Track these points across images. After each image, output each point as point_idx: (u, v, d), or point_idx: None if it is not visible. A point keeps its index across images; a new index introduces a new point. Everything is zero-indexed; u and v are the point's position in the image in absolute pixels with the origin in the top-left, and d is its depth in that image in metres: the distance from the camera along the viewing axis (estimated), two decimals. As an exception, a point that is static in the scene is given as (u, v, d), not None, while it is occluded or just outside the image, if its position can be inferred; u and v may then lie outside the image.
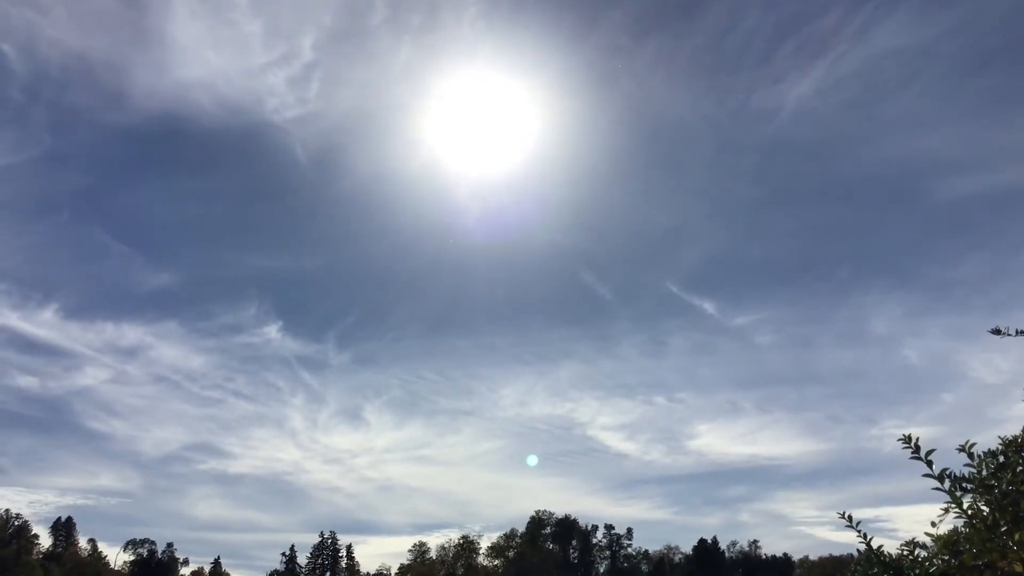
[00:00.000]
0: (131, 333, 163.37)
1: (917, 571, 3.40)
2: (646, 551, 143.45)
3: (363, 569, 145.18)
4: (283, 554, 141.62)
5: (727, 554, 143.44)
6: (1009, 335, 3.35)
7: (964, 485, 3.33)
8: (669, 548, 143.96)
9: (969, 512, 3.22)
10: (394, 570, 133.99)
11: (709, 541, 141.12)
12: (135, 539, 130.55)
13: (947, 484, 3.28)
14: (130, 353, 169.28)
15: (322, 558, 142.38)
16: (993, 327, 3.37)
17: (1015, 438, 3.67)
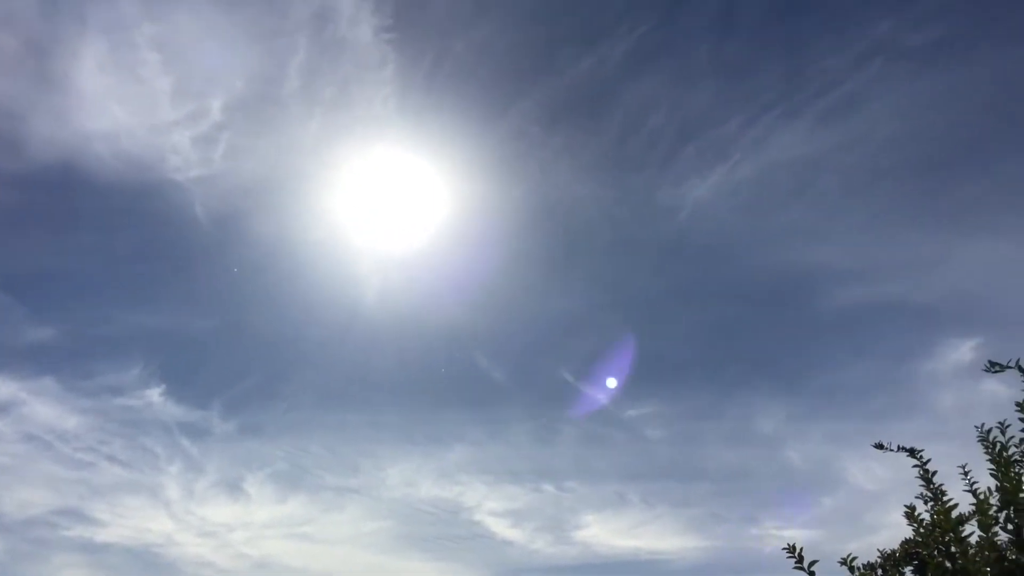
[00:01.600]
0: (3, 388, 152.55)
1: None
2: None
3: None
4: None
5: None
6: (891, 451, 3.38)
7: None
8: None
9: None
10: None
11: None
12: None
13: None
14: (1, 408, 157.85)
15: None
16: (876, 442, 3.40)
17: (893, 552, 3.68)
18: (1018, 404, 3.11)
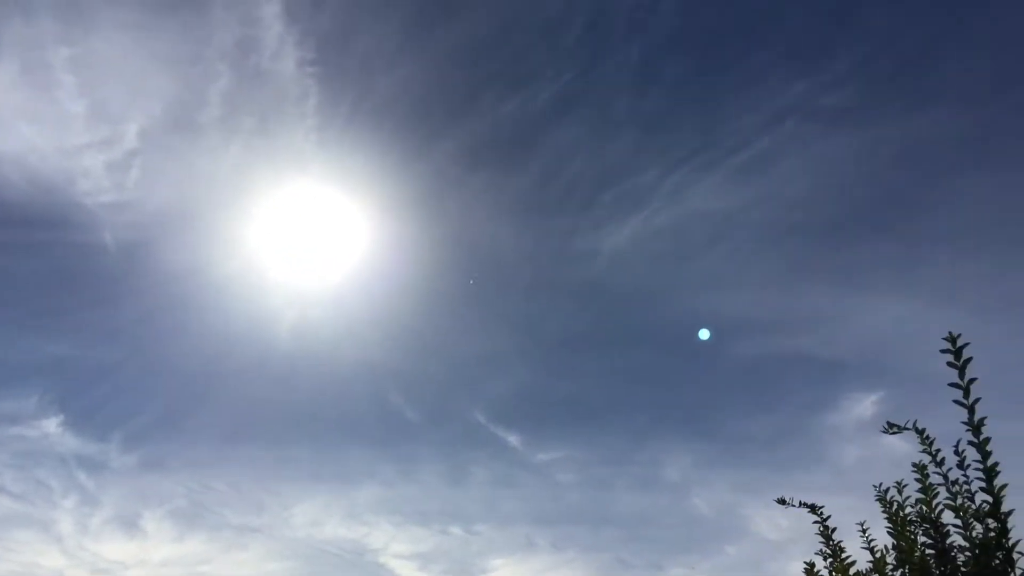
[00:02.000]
0: None
1: None
2: None
3: None
4: None
5: None
6: (793, 506, 3.43)
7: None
8: None
9: None
10: None
11: None
12: None
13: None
14: None
15: None
16: (779, 497, 3.44)
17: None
18: (915, 465, 3.20)
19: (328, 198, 36.37)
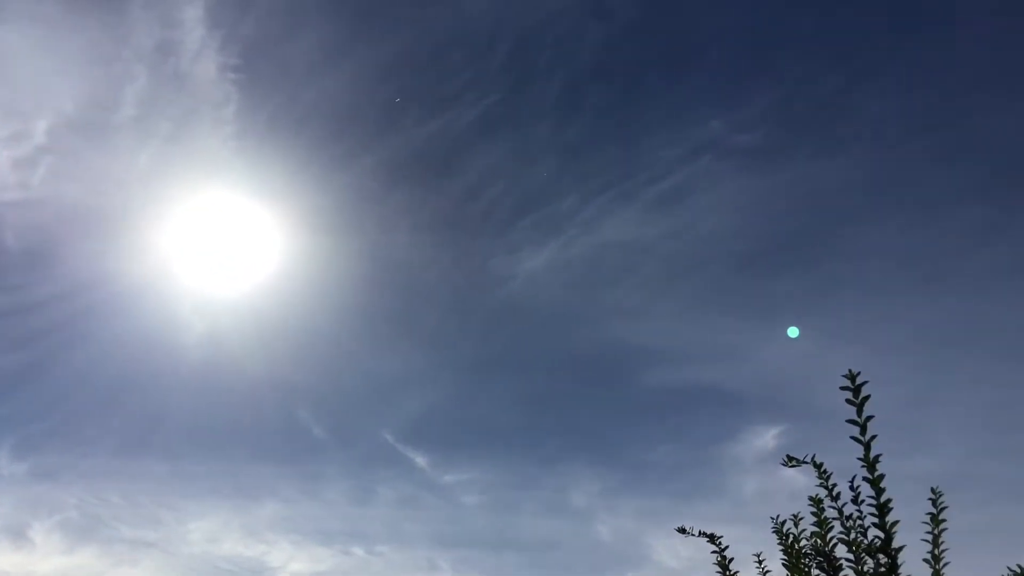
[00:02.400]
0: None
1: None
2: None
3: None
4: None
5: None
6: (692, 535, 3.44)
7: None
8: None
9: None
10: None
11: None
12: None
13: None
14: None
15: None
16: (679, 526, 3.46)
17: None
18: (811, 498, 3.25)
19: (244, 207, 35.59)
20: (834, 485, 3.21)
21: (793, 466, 3.24)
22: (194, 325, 36.03)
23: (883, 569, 2.92)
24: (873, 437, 2.94)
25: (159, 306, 35.62)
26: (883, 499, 2.91)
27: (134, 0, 30.06)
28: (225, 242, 33.91)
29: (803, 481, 3.28)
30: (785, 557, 3.32)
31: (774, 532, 3.38)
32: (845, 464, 3.06)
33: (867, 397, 2.93)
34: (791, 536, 3.34)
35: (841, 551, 3.15)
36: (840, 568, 3.16)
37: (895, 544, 2.91)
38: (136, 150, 34.13)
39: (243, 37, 33.05)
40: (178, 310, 35.76)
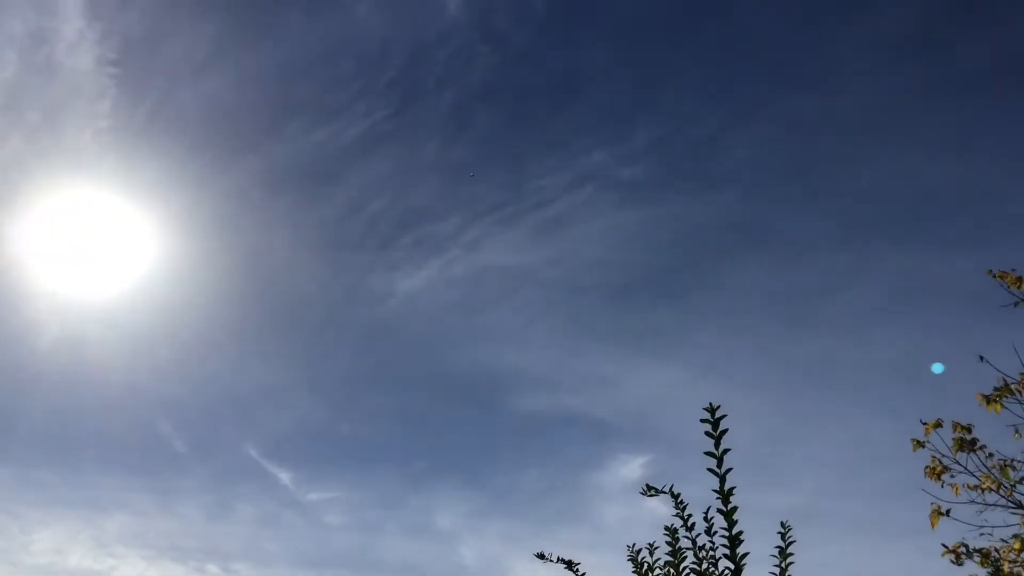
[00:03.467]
0: None
1: None
2: None
3: None
4: None
5: None
6: (551, 561, 3.44)
7: None
8: None
9: None
10: None
11: None
12: None
13: None
14: None
15: None
16: (538, 552, 3.45)
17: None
18: (666, 528, 3.31)
19: (113, 206, 33.95)
20: (690, 516, 3.27)
21: (652, 495, 3.30)
22: (49, 326, 34.01)
23: (731, 600, 2.99)
24: (728, 470, 3.02)
25: (11, 304, 33.54)
26: (735, 531, 2.99)
27: (10, -17, 28.54)
28: (90, 241, 32.27)
29: (666, 511, 3.33)
30: (639, 586, 3.36)
31: (629, 560, 3.42)
32: (706, 495, 3.12)
33: (725, 431, 3.00)
34: (645, 564, 3.39)
35: (693, 581, 3.20)
36: (691, 598, 3.21)
37: (744, 575, 2.99)
38: (1, 139, 32.18)
39: (124, 31, 31.76)
40: (33, 310, 33.72)
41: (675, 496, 3.30)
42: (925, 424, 7.44)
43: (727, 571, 3.03)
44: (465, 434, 42.36)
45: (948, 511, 7.16)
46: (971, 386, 7.15)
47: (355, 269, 40.26)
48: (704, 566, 3.17)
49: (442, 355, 42.27)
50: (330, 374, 42.49)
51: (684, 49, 34.89)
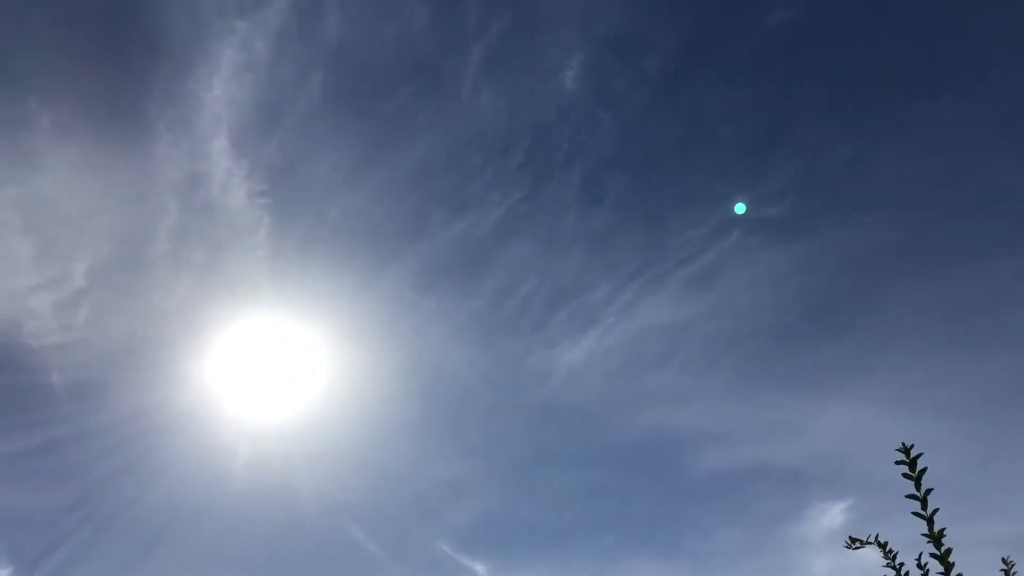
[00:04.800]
0: None
1: None
2: None
3: None
4: None
5: None
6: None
7: None
8: None
9: None
10: None
11: None
12: None
13: None
14: None
15: None
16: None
17: None
18: None
19: (281, 328, 36.18)
20: (902, 564, 3.15)
21: (857, 548, 3.20)
22: (240, 450, 36.09)
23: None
24: (935, 511, 2.91)
25: (204, 436, 35.76)
26: (953, 574, 2.86)
27: (161, 137, 31.36)
28: (265, 365, 34.37)
29: (877, 556, 3.23)
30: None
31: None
32: (916, 537, 3.02)
33: (924, 470, 2.91)
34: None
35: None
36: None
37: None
38: (173, 282, 34.99)
39: (268, 162, 34.17)
40: (223, 439, 35.85)
41: (882, 546, 3.20)
42: None
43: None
44: (650, 502, 41.50)
45: None
46: None
47: (514, 353, 40.81)
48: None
49: (614, 425, 41.94)
50: (506, 460, 42.85)
51: (807, 75, 34.16)
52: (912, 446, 2.92)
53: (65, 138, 30.70)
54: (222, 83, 30.85)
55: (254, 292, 34.13)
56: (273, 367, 33.97)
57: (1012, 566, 3.04)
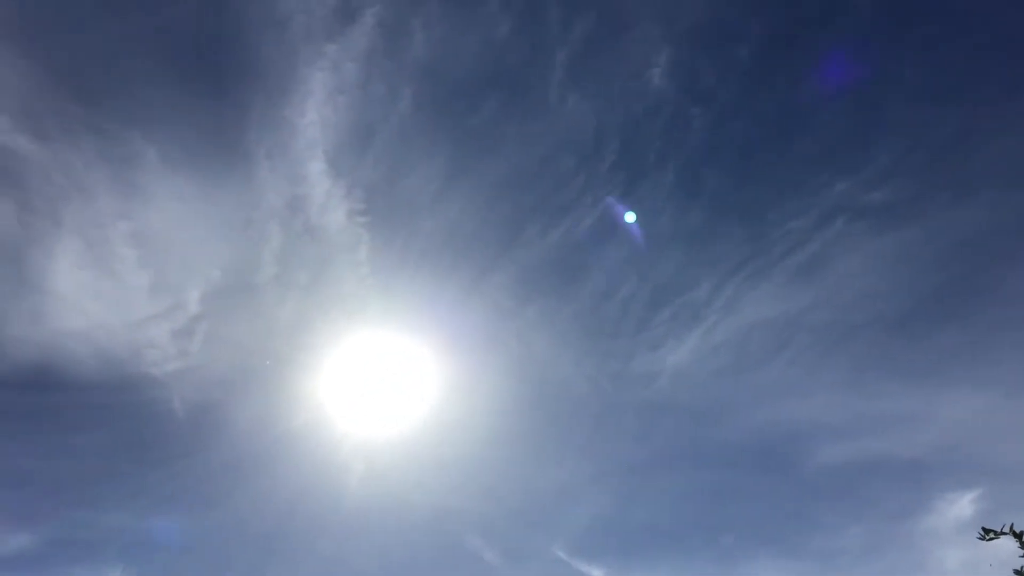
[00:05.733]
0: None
1: None
2: None
3: None
4: None
5: None
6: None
7: None
8: None
9: None
10: None
11: None
12: None
13: None
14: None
15: None
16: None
17: None
18: (1016, 572, 3.43)
19: (387, 342, 37.21)
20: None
21: (991, 539, 3.49)
22: (356, 466, 37.20)
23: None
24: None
25: (320, 452, 37.09)
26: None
27: (261, 164, 32.78)
28: (374, 379, 35.48)
29: (1013, 546, 3.47)
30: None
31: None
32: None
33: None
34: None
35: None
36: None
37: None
38: (280, 303, 36.40)
39: (364, 181, 35.24)
40: (338, 454, 37.08)
41: (1018, 536, 3.43)
42: None
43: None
44: (768, 500, 40.63)
45: None
46: None
47: (618, 355, 40.95)
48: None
49: (725, 423, 41.44)
50: (618, 462, 42.79)
51: (902, 54, 33.10)
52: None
53: (172, 172, 32.45)
54: (315, 107, 32.09)
55: (359, 309, 35.33)
56: (382, 381, 35.10)
57: None
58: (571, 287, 40.87)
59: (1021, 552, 3.07)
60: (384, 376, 36.12)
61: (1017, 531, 2.97)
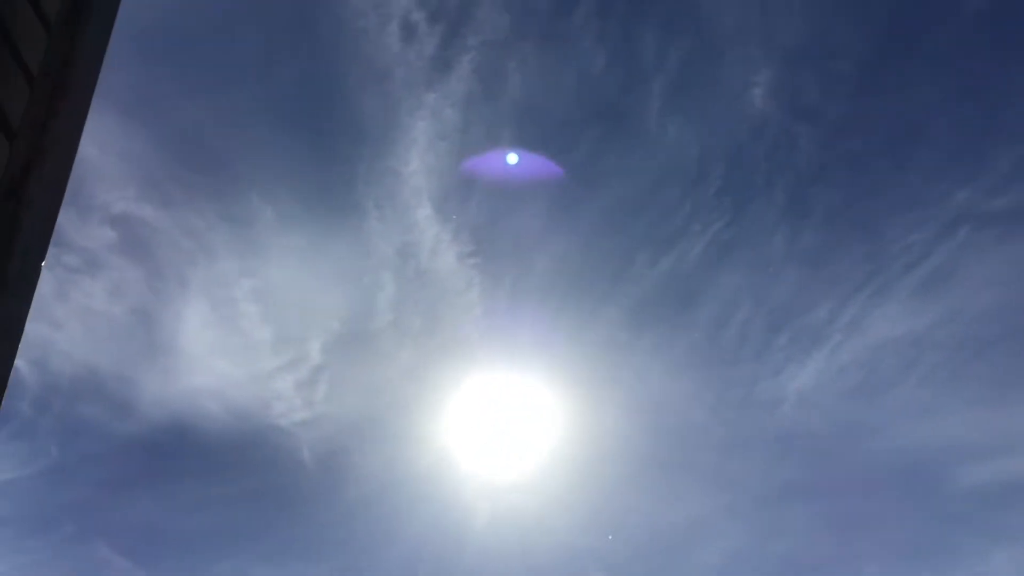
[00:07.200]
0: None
1: None
2: None
3: None
4: None
5: None
6: None
7: None
8: None
9: None
10: None
11: None
12: None
13: None
14: None
15: None
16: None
17: None
18: None
19: (504, 382, 36.82)
20: None
21: None
22: (481, 508, 36.80)
23: None
24: None
25: (445, 496, 36.82)
26: None
27: (370, 214, 32.96)
28: (493, 419, 35.08)
29: None
30: None
31: None
32: None
33: None
34: None
35: None
36: None
37: None
38: (396, 350, 36.53)
39: (471, 223, 34.97)
40: (463, 496, 36.76)
41: None
42: None
43: None
44: (912, 527, 37.91)
45: None
46: None
47: (739, 383, 38.99)
48: None
49: (858, 447, 38.89)
50: (748, 494, 40.69)
51: (1014, 56, 30.84)
52: None
53: (287, 228, 33.09)
54: (419, 155, 32.22)
55: (474, 349, 35.08)
56: (502, 422, 34.60)
57: None
58: (684, 316, 39.39)
59: None
60: (504, 416, 35.67)
61: None
